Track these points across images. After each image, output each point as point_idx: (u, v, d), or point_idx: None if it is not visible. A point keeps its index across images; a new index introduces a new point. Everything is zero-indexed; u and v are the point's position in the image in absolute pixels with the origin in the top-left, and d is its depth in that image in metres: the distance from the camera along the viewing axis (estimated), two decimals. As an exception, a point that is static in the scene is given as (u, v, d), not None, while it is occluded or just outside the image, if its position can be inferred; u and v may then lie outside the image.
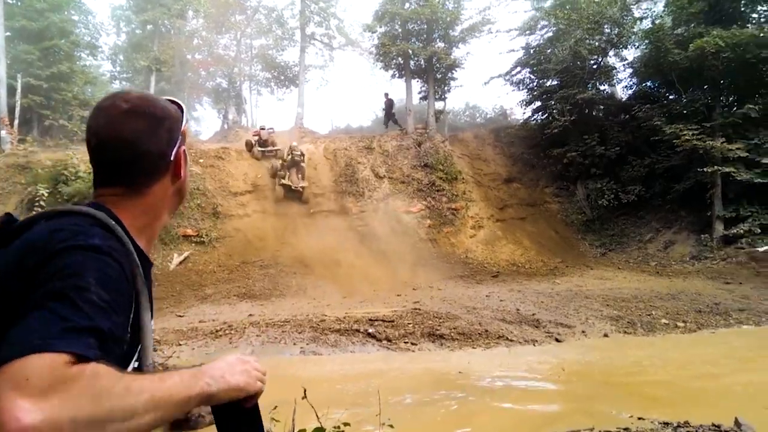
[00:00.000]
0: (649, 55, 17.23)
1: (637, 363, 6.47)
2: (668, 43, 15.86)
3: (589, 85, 19.02)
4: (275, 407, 3.01)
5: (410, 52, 21.04)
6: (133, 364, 0.95)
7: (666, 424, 3.96)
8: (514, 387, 5.65)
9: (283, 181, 15.02)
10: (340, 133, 24.62)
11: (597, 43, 18.42)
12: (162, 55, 24.53)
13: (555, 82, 19.95)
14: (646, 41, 17.19)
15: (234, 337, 8.15)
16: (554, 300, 10.40)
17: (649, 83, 18.92)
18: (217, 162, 16.07)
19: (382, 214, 16.49)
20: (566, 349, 7.44)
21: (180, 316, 10.33)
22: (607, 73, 19.33)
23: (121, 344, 0.85)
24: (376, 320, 8.57)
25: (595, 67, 19.00)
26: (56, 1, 20.88)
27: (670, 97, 17.68)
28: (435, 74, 21.72)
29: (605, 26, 18.25)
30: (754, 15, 16.64)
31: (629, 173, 17.30)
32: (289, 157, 15.26)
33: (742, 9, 16.33)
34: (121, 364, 0.86)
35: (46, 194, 12.31)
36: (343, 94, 66.45)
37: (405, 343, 7.68)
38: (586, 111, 19.22)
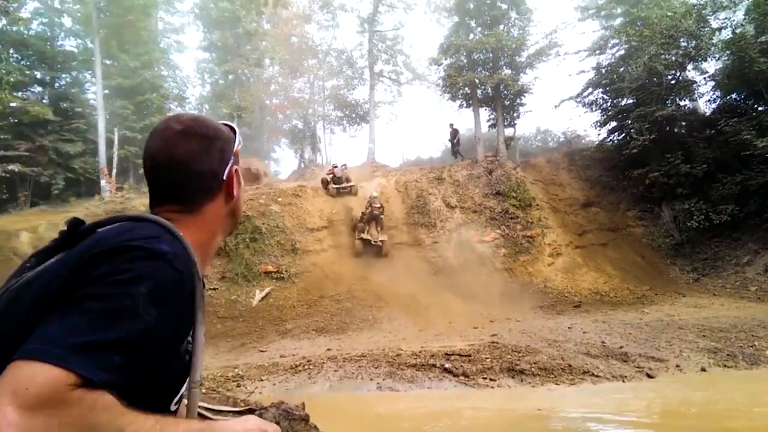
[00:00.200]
0: (732, 66, 16.23)
1: (741, 402, 5.96)
2: (752, 52, 14.91)
3: (668, 101, 18.14)
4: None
5: (477, 81, 21.22)
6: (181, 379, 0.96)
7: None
8: (604, 424, 5.37)
9: (362, 236, 14.89)
10: (411, 166, 25.02)
11: (673, 58, 17.60)
12: (242, 102, 26.35)
13: (630, 101, 19.19)
14: (728, 52, 16.22)
15: (313, 372, 8.32)
16: (643, 331, 9.80)
17: (734, 95, 17.71)
18: (295, 200, 16.86)
19: (455, 244, 16.46)
20: (659, 385, 6.98)
21: (262, 351, 10.80)
22: (686, 88, 18.33)
23: (167, 358, 0.87)
24: (453, 354, 8.49)
25: (673, 82, 18.12)
26: (147, 59, 22.68)
27: (759, 108, 16.44)
28: (503, 101, 21.67)
29: (681, 40, 17.45)
30: None
31: (719, 192, 16.12)
32: (368, 209, 15.23)
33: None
34: (167, 377, 0.89)
35: (141, 236, 13.53)
36: (413, 127, 67.66)
37: (483, 378, 7.54)
38: (667, 128, 18.28)
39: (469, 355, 8.46)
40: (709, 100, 19.20)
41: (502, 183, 18.53)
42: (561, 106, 21.70)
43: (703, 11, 16.87)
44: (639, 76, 18.05)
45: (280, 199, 16.57)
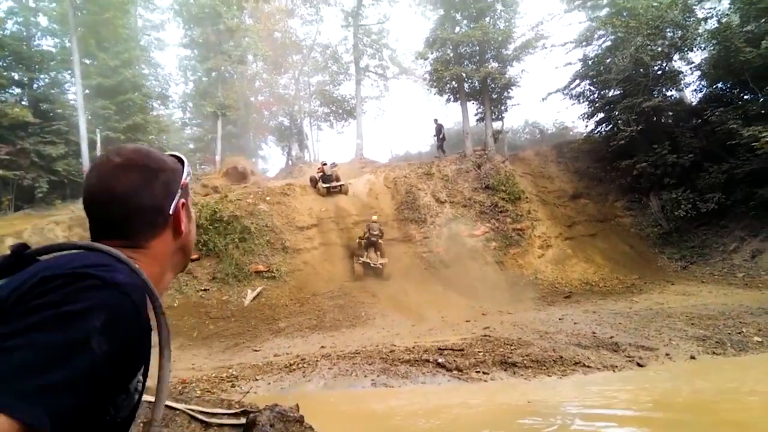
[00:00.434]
0: (718, 56, 16.33)
1: (729, 389, 6.03)
2: (738, 41, 15.02)
3: (655, 92, 18.26)
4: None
5: (464, 75, 21.22)
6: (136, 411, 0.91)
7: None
8: (589, 421, 5.37)
9: (362, 260, 14.71)
10: (400, 161, 25.02)
11: (659, 48, 17.70)
12: (227, 100, 26.10)
13: (617, 92, 19.32)
14: (714, 42, 16.31)
15: (307, 370, 8.31)
16: (633, 320, 9.90)
17: (720, 85, 17.85)
18: (283, 198, 16.77)
19: (445, 239, 16.50)
20: (649, 374, 7.04)
21: (256, 350, 10.76)
22: (673, 78, 18.46)
23: (115, 396, 0.82)
24: (446, 349, 8.51)
25: (659, 72, 18.25)
26: (127, 57, 22.30)
27: (745, 97, 16.60)
28: (490, 95, 21.68)
29: (667, 30, 17.55)
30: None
31: (706, 180, 16.30)
32: (367, 235, 15.00)
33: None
34: (113, 417, 0.83)
35: (128, 240, 13.39)
36: (401, 121, 67.57)
37: (476, 372, 7.57)
38: (654, 119, 18.42)
39: (462, 350, 8.49)
40: (695, 90, 19.39)
41: (491, 177, 18.58)
42: (548, 99, 21.77)
43: (689, 1, 16.98)
44: (625, 67, 18.15)
45: (268, 198, 16.47)
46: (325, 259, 15.23)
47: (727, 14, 16.53)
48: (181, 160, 1.10)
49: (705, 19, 17.08)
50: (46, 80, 21.71)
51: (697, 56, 18.41)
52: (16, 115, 17.83)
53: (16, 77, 20.46)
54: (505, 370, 7.61)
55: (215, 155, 26.05)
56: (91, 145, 19.27)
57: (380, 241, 14.96)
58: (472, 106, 22.68)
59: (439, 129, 22.17)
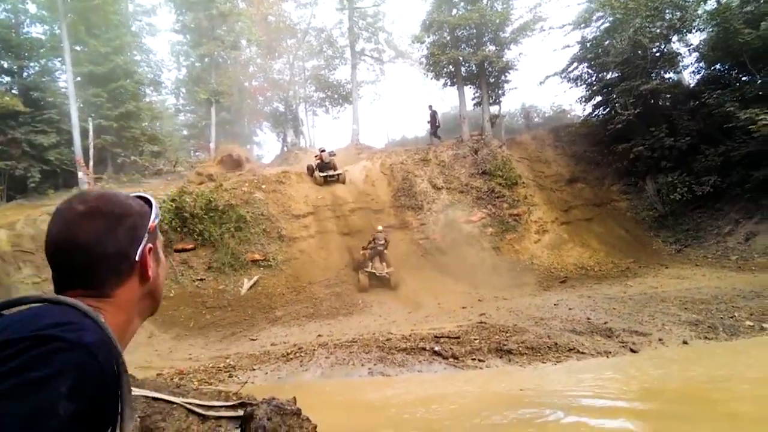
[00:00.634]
0: (717, 38, 16.20)
1: (721, 376, 6.08)
2: (737, 23, 14.89)
3: (653, 75, 18.14)
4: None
5: (460, 58, 21.02)
6: None
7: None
8: (584, 403, 5.41)
9: (368, 270, 13.94)
10: (396, 146, 24.89)
11: (658, 30, 17.52)
12: (220, 87, 25.80)
13: (615, 75, 19.21)
14: (713, 23, 16.13)
15: (304, 359, 8.34)
16: (627, 305, 9.96)
17: (718, 66, 17.73)
18: (279, 187, 16.69)
19: (442, 225, 16.51)
20: (642, 360, 7.10)
21: (253, 339, 10.82)
22: (671, 60, 18.32)
23: None
24: (442, 337, 8.56)
25: (657, 54, 18.10)
26: (118, 43, 21.95)
27: (743, 79, 16.50)
28: (487, 79, 21.51)
29: (666, 11, 17.38)
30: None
31: (703, 163, 16.29)
32: (372, 245, 14.30)
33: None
34: None
35: (121, 230, 13.29)
36: (397, 106, 66.79)
37: (472, 360, 7.62)
38: (651, 102, 18.33)
39: (458, 337, 8.54)
40: (693, 72, 19.27)
41: (488, 162, 18.51)
42: (546, 83, 21.62)
43: (689, -18, 16.79)
44: (624, 49, 18.01)
45: (263, 187, 16.40)
46: (322, 247, 15.23)
47: (727, -6, 16.33)
48: (150, 203, 1.07)
49: (704, 0, 16.88)
50: (36, 68, 21.37)
51: (696, 38, 18.33)
52: (7, 104, 17.59)
53: (6, 65, 20.17)
54: (500, 358, 7.67)
55: (209, 142, 25.87)
56: (84, 133, 19.07)
57: (386, 251, 14.23)
58: (469, 91, 22.55)
59: (433, 116, 21.86)
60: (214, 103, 25.36)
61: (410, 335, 9.01)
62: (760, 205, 14.97)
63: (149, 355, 10.18)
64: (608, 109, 19.47)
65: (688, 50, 18.65)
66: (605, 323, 8.78)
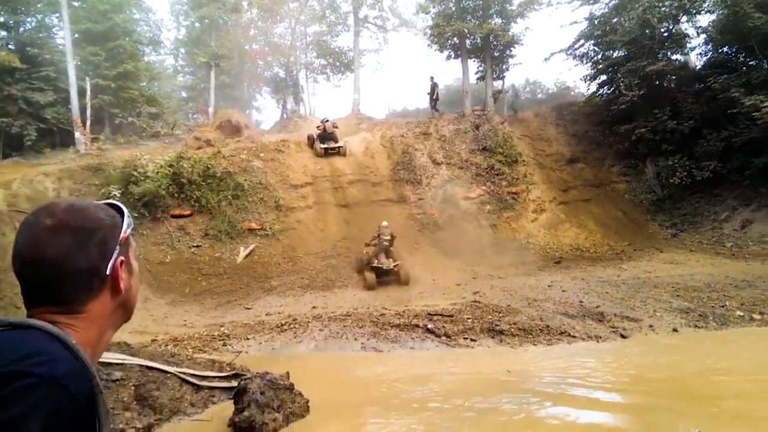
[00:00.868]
0: (726, 20, 15.94)
1: (708, 365, 6.18)
2: (747, 6, 14.62)
3: (660, 55, 17.85)
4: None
5: (465, 31, 20.57)
6: None
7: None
8: (568, 391, 5.41)
9: (375, 264, 12.72)
10: (397, 117, 24.61)
11: (667, 10, 17.16)
12: (220, 50, 25.32)
13: (621, 54, 18.89)
14: (723, 5, 15.83)
15: (298, 331, 8.41)
16: (620, 290, 10.04)
17: (726, 50, 17.51)
18: (277, 155, 16.54)
19: (440, 201, 16.47)
20: (632, 346, 7.20)
21: (248, 308, 10.93)
22: (678, 41, 18.03)
23: None
24: (436, 315, 8.63)
25: (665, 35, 17.77)
26: (117, 1, 21.57)
27: (751, 63, 16.29)
28: (492, 52, 21.13)
29: (676, -10, 16.98)
30: None
31: (704, 148, 16.21)
32: (376, 241, 13.17)
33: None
34: None
35: (118, 195, 13.04)
36: (399, 76, 65.67)
37: (464, 339, 7.71)
38: (656, 83, 18.12)
39: (452, 316, 8.62)
40: (700, 54, 19.01)
41: (489, 138, 18.36)
42: (551, 59, 21.25)
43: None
44: (632, 28, 17.67)
45: (262, 155, 16.26)
46: (319, 218, 15.21)
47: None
48: (121, 211, 1.04)
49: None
50: (33, 23, 20.98)
51: (705, 19, 17.99)
52: (2, 60, 17.28)
53: (2, 19, 19.70)
54: (492, 338, 7.76)
55: (208, 106, 25.53)
56: (81, 92, 18.79)
57: (392, 248, 13.12)
58: (473, 64, 22.14)
59: (433, 88, 21.46)
60: (214, 67, 24.89)
61: (404, 311, 9.08)
62: (758, 193, 14.98)
63: (144, 320, 10.28)
64: (613, 89, 19.23)
65: (696, 32, 18.40)
66: (597, 307, 8.86)
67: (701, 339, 7.43)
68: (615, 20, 18.79)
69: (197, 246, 13.26)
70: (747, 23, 14.67)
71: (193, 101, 30.82)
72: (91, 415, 0.82)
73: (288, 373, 5.46)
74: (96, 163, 14.42)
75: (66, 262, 0.91)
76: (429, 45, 23.09)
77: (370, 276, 12.38)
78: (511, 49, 21.22)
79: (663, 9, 17.11)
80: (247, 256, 13.33)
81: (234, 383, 5.93)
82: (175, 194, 13.83)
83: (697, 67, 18.82)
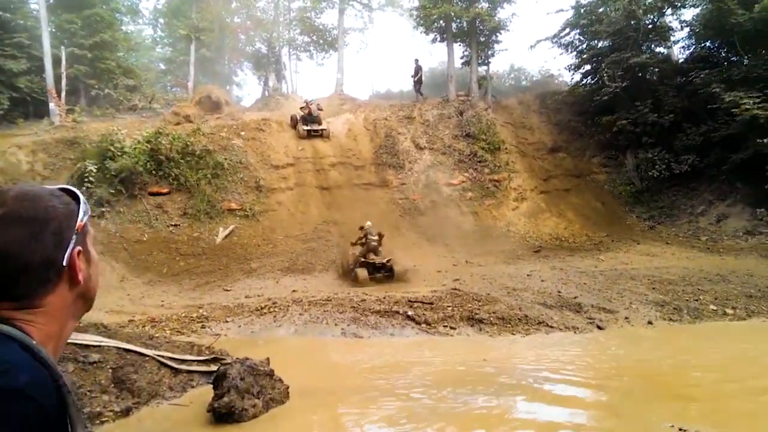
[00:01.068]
0: (710, 15, 16.09)
1: (681, 359, 6.34)
2: (731, 2, 14.74)
3: (644, 47, 17.99)
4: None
5: (452, 14, 20.35)
6: None
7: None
8: (542, 383, 5.48)
9: (368, 259, 11.94)
10: (381, 99, 24.38)
11: (653, 2, 17.28)
12: (201, 22, 24.59)
13: (606, 44, 18.99)
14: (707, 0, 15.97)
15: (278, 315, 8.36)
16: (598, 281, 10.20)
17: (708, 44, 17.71)
18: (258, 134, 16.25)
19: (422, 186, 16.45)
20: (607, 337, 7.35)
21: (227, 290, 10.79)
22: (662, 34, 18.19)
23: None
24: (416, 302, 8.65)
25: (650, 27, 17.89)
26: (94, -35, 20.66)
27: (732, 59, 16.53)
28: (478, 37, 21.01)
29: (662, -18, 17.07)
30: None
31: (683, 142, 16.47)
32: (363, 241, 12.28)
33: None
34: None
35: (94, 170, 12.69)
36: (384, 57, 64.69)
37: (444, 326, 7.76)
38: (639, 75, 18.25)
39: (432, 303, 8.65)
40: (683, 47, 19.22)
41: (473, 125, 18.33)
42: (537, 47, 21.24)
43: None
44: (617, 19, 17.75)
45: (243, 133, 15.94)
46: (300, 200, 15.04)
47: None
48: (77, 198, 0.98)
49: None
50: (5, -14, 19.90)
51: (689, 13, 18.10)
52: (-29, 24, 16.47)
53: (-30, -20, 18.66)
54: (471, 326, 7.83)
55: (187, 80, 24.84)
56: (56, 61, 18.07)
57: (380, 248, 12.35)
58: (459, 48, 22.01)
59: (417, 70, 21.24)
60: (194, 40, 24.18)
61: (384, 298, 9.07)
62: (734, 188, 15.32)
63: (121, 299, 10.09)
64: (596, 79, 19.34)
65: (680, 25, 18.52)
66: (575, 298, 9.00)
67: (676, 332, 7.61)
68: (601, 10, 18.86)
69: (175, 225, 13.01)
70: (730, 19, 14.85)
71: (172, 74, 29.97)
72: (62, 417, 0.79)
73: (268, 359, 5.41)
74: (71, 137, 13.97)
75: (19, 256, 0.84)
76: (415, 27, 22.82)
77: (362, 272, 11.62)
78: (497, 34, 21.16)
79: (648, 1, 17.20)
80: (226, 236, 13.14)
81: (213, 367, 5.86)
82: (153, 171, 13.50)
83: (680, 61, 19.02)
